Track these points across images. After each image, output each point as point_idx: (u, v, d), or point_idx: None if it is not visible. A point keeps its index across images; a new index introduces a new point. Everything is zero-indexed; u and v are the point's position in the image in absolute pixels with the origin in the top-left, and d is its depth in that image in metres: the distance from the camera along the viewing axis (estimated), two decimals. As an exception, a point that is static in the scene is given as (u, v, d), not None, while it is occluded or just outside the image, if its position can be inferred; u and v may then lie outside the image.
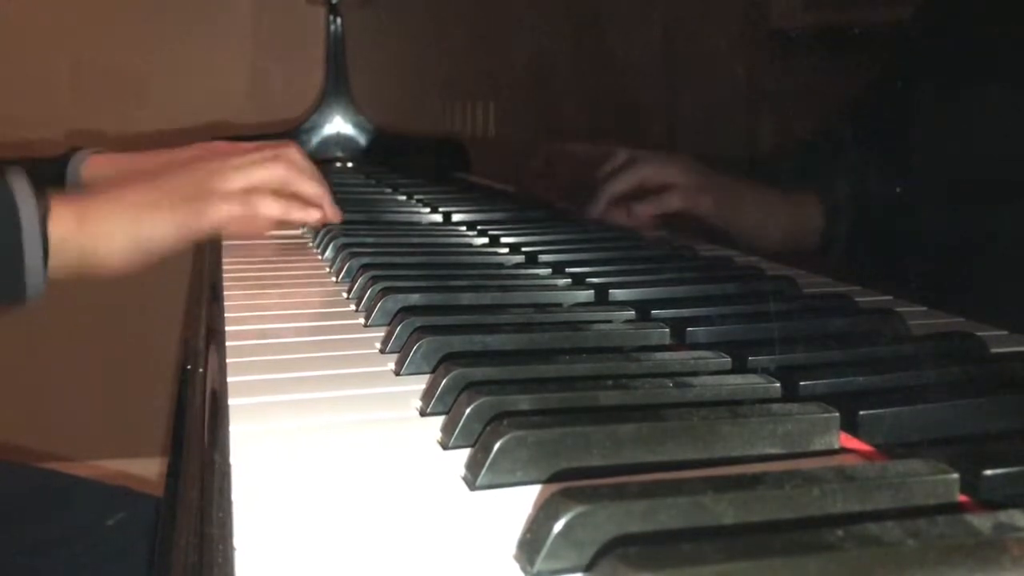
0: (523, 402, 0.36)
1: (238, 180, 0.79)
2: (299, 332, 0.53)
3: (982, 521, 0.24)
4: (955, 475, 0.29)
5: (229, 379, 0.43)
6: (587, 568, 0.25)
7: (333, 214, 0.86)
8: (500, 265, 0.70)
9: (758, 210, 0.60)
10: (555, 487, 0.26)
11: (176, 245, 0.75)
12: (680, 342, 0.49)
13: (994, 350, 0.43)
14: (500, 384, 0.37)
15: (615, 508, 0.25)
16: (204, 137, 1.45)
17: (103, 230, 0.72)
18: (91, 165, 0.93)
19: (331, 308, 0.59)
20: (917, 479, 0.28)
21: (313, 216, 0.83)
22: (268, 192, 0.79)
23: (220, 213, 0.75)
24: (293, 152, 0.84)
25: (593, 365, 0.42)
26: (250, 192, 0.78)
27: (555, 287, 0.60)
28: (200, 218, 0.75)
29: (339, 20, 1.66)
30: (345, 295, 0.63)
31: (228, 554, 0.27)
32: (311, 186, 0.84)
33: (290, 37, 1.97)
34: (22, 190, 0.68)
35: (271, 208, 0.79)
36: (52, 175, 0.92)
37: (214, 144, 0.93)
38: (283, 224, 0.83)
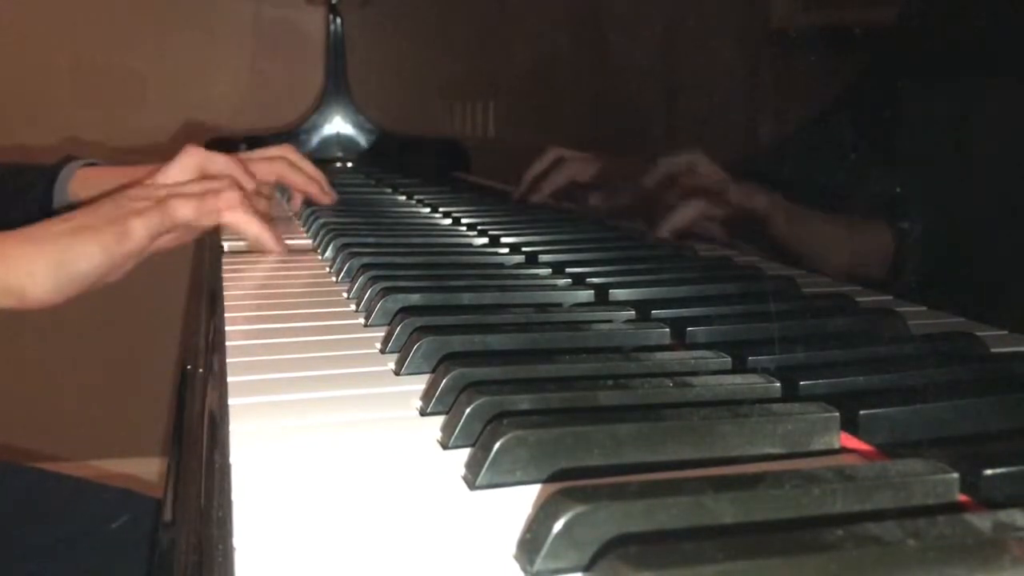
0: (523, 402, 0.36)
1: (154, 192, 0.77)
2: (299, 332, 0.53)
3: (982, 521, 0.24)
4: (955, 475, 0.29)
5: (229, 379, 0.43)
6: (587, 568, 0.25)
7: (324, 197, 0.95)
8: (500, 265, 0.70)
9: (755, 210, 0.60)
10: (555, 487, 0.26)
11: (106, 270, 0.72)
12: (680, 342, 0.49)
13: (994, 350, 0.43)
14: (500, 384, 0.37)
15: (615, 508, 0.25)
16: (204, 137, 1.45)
17: (23, 263, 0.69)
18: (79, 177, 0.93)
19: (331, 308, 0.59)
20: (917, 479, 0.28)
21: (228, 217, 0.79)
22: (181, 195, 0.77)
23: (142, 229, 0.73)
24: (268, 152, 0.93)
25: (593, 365, 0.42)
26: (164, 200, 0.75)
27: (555, 287, 0.60)
28: (124, 239, 0.72)
29: (339, 20, 1.66)
30: (345, 295, 0.63)
31: (228, 554, 0.27)
32: (225, 182, 0.81)
33: (290, 37, 1.97)
34: None
35: (185, 211, 0.76)
36: (41, 183, 0.92)
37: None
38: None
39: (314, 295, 0.63)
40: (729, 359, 0.43)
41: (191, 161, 0.84)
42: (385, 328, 0.51)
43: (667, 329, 0.49)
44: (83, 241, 0.70)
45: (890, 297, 0.49)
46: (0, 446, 1.84)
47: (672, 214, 0.67)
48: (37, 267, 0.69)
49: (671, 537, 0.24)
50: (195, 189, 0.79)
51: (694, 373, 0.41)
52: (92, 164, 0.97)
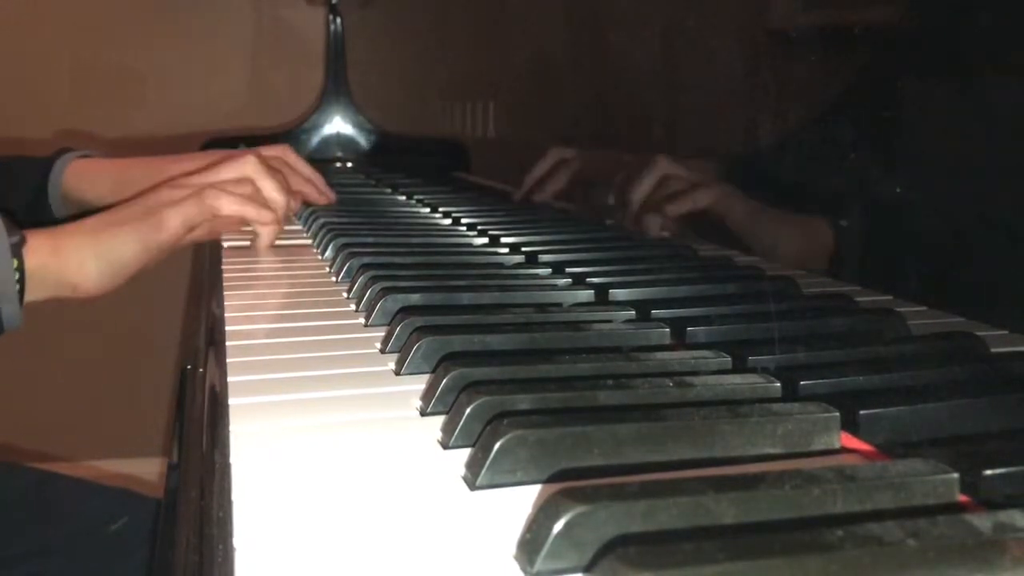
0: (523, 402, 0.36)
1: (193, 183, 0.80)
2: (299, 332, 0.53)
3: (982, 521, 0.24)
4: (955, 475, 0.29)
5: (229, 379, 0.43)
6: (587, 568, 0.25)
7: (321, 197, 0.89)
8: (500, 265, 0.70)
9: (757, 214, 0.60)
10: (555, 487, 0.26)
11: (144, 260, 0.75)
12: (680, 342, 0.49)
13: (994, 350, 0.43)
14: (500, 384, 0.37)
15: (615, 508, 0.25)
16: (203, 136, 1.45)
17: (75, 256, 0.73)
18: (74, 169, 0.94)
19: (331, 308, 0.59)
20: (917, 479, 0.28)
21: (265, 217, 0.83)
22: (222, 190, 0.80)
23: (176, 219, 0.76)
24: (264, 152, 0.87)
25: (593, 365, 0.42)
26: (202, 191, 0.79)
27: (555, 287, 0.60)
28: (160, 229, 0.76)
29: (339, 20, 1.66)
30: (345, 295, 0.63)
31: (228, 554, 0.27)
32: (271, 186, 0.84)
33: (290, 37, 1.97)
34: None
35: (223, 204, 0.79)
36: (36, 175, 0.92)
37: (204, 153, 0.94)
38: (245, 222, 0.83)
39: (314, 295, 0.63)
40: (729, 359, 0.43)
41: (246, 170, 0.84)
42: (385, 328, 0.51)
43: (667, 329, 0.49)
44: (122, 232, 0.74)
45: (890, 297, 0.49)
46: (0, 446, 1.84)
47: (676, 205, 0.67)
48: (85, 258, 0.73)
49: (671, 537, 0.24)
50: (235, 189, 0.81)
51: (694, 373, 0.41)
52: (87, 156, 0.96)
